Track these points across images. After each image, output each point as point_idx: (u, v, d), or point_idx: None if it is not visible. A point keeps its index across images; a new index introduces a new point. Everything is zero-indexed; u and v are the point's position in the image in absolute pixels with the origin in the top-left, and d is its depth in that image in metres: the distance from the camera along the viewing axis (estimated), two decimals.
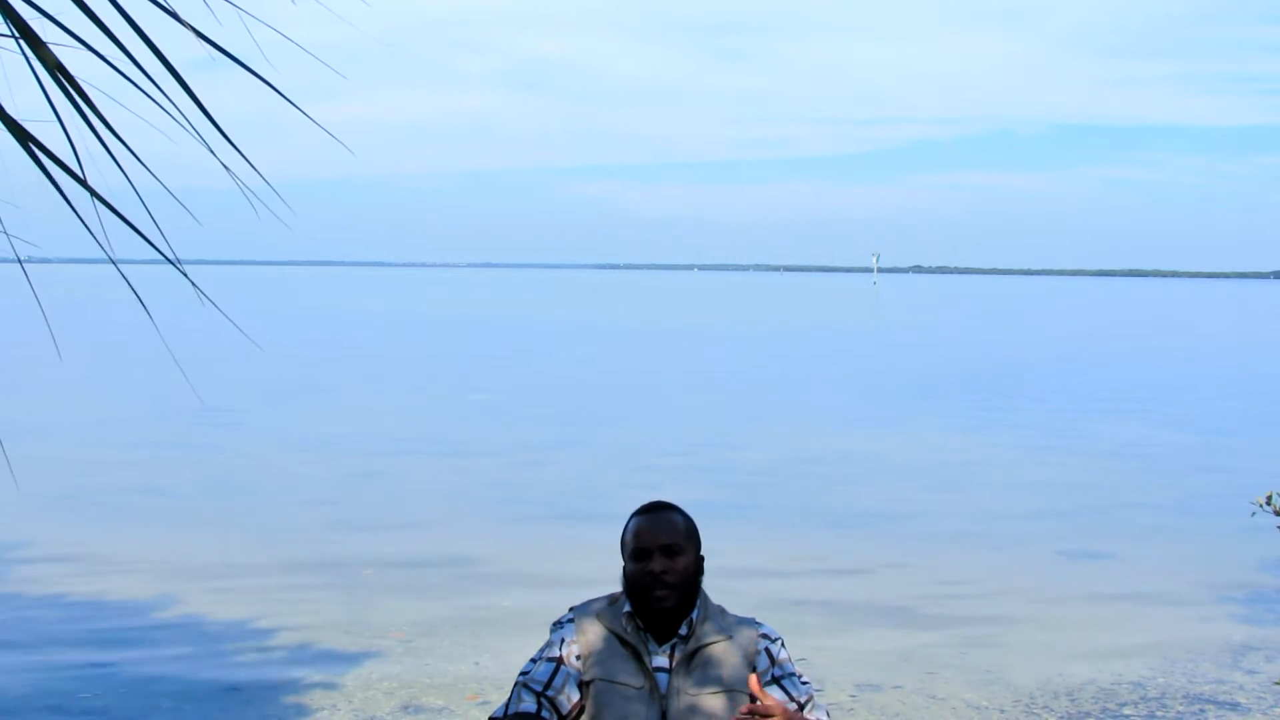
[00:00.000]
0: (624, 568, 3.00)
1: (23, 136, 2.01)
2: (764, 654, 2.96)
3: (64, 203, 2.07)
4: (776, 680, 2.94)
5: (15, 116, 2.01)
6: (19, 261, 2.27)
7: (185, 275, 2.21)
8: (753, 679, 2.81)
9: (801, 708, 2.93)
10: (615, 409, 22.33)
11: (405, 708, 6.64)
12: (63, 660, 7.41)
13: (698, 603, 3.00)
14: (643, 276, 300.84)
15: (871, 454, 16.74)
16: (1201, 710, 6.70)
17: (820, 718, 2.96)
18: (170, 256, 2.17)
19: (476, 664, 7.40)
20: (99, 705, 6.62)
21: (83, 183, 2.04)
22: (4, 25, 1.98)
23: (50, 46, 1.98)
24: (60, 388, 22.09)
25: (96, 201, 2.05)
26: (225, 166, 2.13)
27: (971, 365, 33.25)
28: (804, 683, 2.98)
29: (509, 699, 2.96)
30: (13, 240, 2.24)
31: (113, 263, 2.14)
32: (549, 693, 2.90)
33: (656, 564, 2.92)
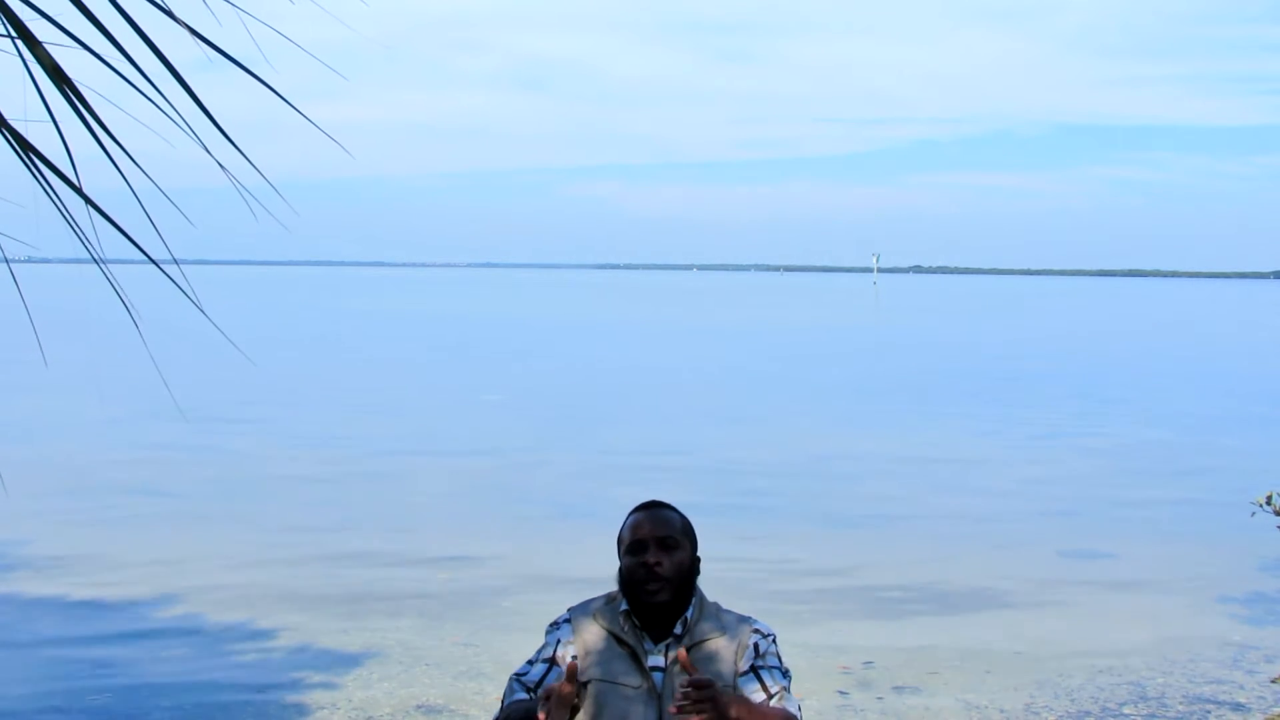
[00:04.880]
0: (620, 564, 3.01)
1: (17, 140, 2.01)
2: (752, 648, 2.96)
3: (59, 204, 2.06)
4: (755, 669, 2.94)
5: (9, 118, 2.01)
6: (6, 262, 2.27)
7: (174, 281, 2.21)
8: (681, 652, 2.81)
9: (770, 696, 2.92)
10: (615, 409, 22.33)
11: (405, 708, 6.64)
12: (63, 660, 7.41)
13: (693, 601, 3.00)
14: (643, 276, 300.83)
15: (871, 454, 16.73)
16: (1202, 710, 6.70)
17: (786, 707, 2.91)
18: (160, 261, 2.16)
19: (476, 664, 7.40)
20: (99, 705, 6.62)
21: (76, 188, 2.04)
22: (1, 26, 1.97)
23: (46, 47, 1.98)
24: (61, 389, 22.08)
25: (89, 203, 2.05)
26: (223, 168, 2.12)
27: (972, 365, 33.24)
28: (783, 675, 2.97)
29: (503, 698, 2.98)
30: (9, 241, 2.24)
31: (98, 264, 2.14)
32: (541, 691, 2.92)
33: (652, 557, 2.92)
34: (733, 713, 2.74)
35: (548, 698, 2.69)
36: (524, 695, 2.92)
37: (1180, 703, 6.82)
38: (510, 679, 2.98)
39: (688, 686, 2.70)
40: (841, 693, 6.95)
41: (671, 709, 2.75)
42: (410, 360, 32.75)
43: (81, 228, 2.08)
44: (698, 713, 2.69)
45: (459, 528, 11.53)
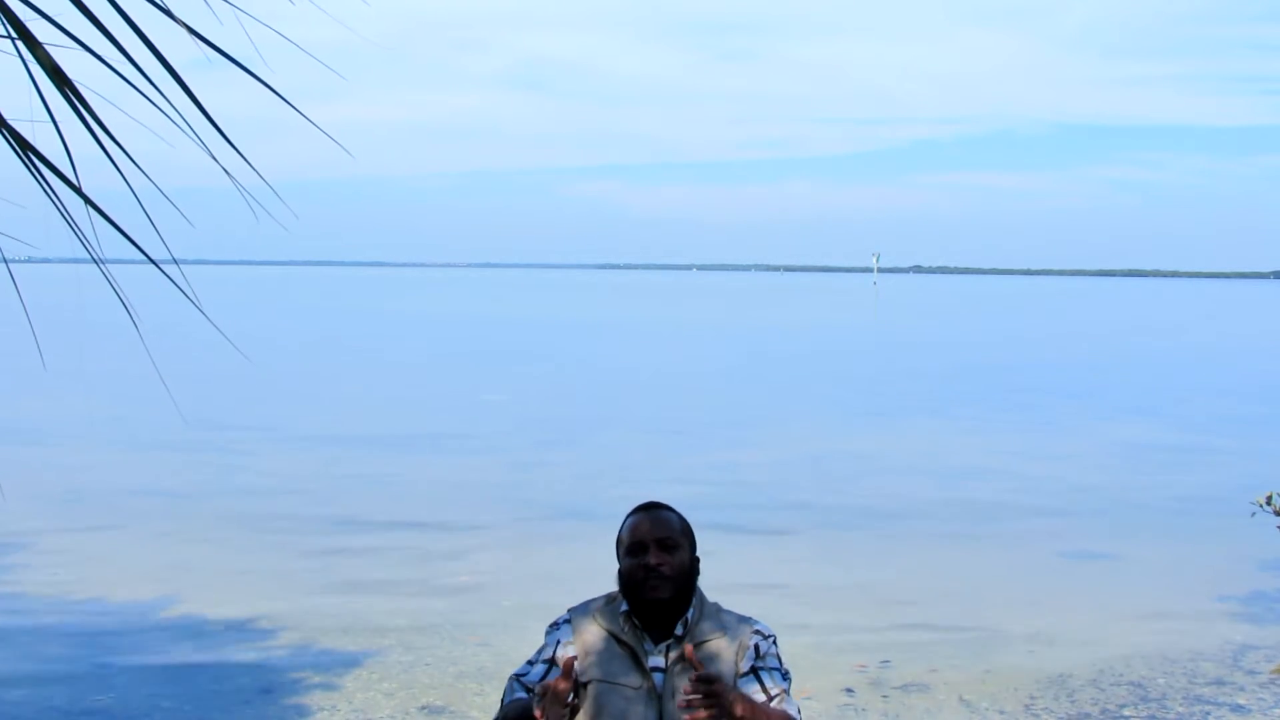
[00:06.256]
0: (620, 566, 3.01)
1: (17, 140, 2.01)
2: (752, 649, 2.97)
3: (59, 204, 2.06)
4: (755, 671, 2.94)
5: (9, 118, 2.01)
6: (6, 262, 2.27)
7: (173, 281, 2.20)
8: (688, 647, 2.81)
9: (771, 698, 2.91)
10: (615, 409, 22.32)
11: (405, 708, 6.64)
12: (63, 660, 7.41)
13: (693, 602, 3.00)
14: (643, 276, 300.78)
15: (871, 454, 16.72)
16: (1201, 710, 6.70)
17: (787, 710, 2.91)
18: (160, 261, 2.16)
19: (476, 664, 7.40)
20: (99, 705, 6.62)
21: (76, 188, 2.04)
22: (1, 26, 1.97)
23: (46, 47, 1.98)
24: (60, 390, 22.08)
25: (89, 203, 2.05)
26: (224, 170, 2.12)
27: (971, 365, 33.24)
28: (784, 677, 2.97)
29: (503, 697, 2.98)
30: (9, 241, 2.24)
31: (98, 264, 2.14)
32: None
33: (653, 557, 2.93)
34: (738, 710, 2.74)
35: (543, 694, 2.69)
36: (524, 695, 2.92)
37: (1180, 703, 6.82)
38: (510, 679, 2.99)
39: (695, 681, 2.70)
40: (847, 690, 6.95)
41: (679, 703, 2.75)
42: (410, 360, 32.74)
43: (81, 228, 2.08)
44: (704, 708, 2.69)
45: (459, 528, 11.52)
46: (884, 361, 35.01)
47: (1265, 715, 6.62)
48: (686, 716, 2.72)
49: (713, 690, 2.69)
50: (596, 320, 60.07)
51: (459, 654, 7.60)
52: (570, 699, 2.78)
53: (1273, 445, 17.91)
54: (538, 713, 2.67)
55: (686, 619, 2.97)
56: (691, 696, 2.69)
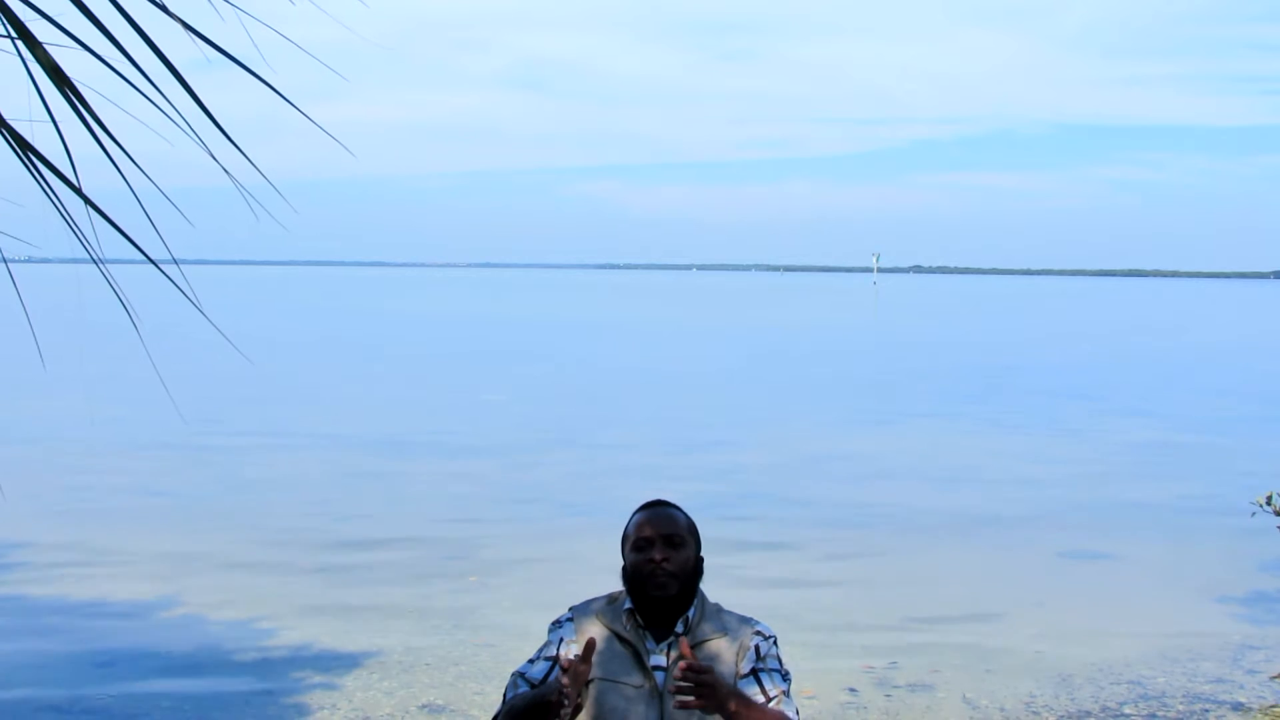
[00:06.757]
0: (624, 563, 3.02)
1: (17, 140, 2.01)
2: (753, 650, 2.97)
3: (59, 204, 2.06)
4: (755, 672, 2.94)
5: (9, 118, 2.01)
6: (6, 262, 2.27)
7: (173, 281, 2.21)
8: (683, 642, 2.82)
9: (770, 700, 2.91)
10: (616, 409, 22.32)
11: (405, 708, 6.64)
12: (63, 660, 7.41)
13: (695, 602, 3.01)
14: (643, 276, 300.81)
15: (870, 454, 16.73)
16: (1201, 710, 6.70)
17: (784, 711, 2.90)
18: (160, 261, 2.16)
19: (476, 664, 7.40)
20: (99, 705, 6.62)
21: (75, 188, 2.04)
22: (1, 26, 1.97)
23: (46, 47, 1.98)
24: (59, 389, 22.06)
25: (89, 203, 2.05)
26: (224, 169, 2.12)
27: (971, 365, 33.24)
28: (784, 678, 2.97)
29: (504, 693, 2.99)
30: (9, 241, 2.24)
31: (98, 264, 2.14)
32: None
33: (658, 552, 2.94)
34: (731, 705, 2.75)
35: (566, 669, 2.70)
36: (526, 686, 2.93)
37: (1180, 702, 6.82)
38: (512, 675, 2.99)
39: (686, 670, 2.70)
40: (850, 690, 6.95)
41: (671, 688, 2.76)
42: (411, 360, 32.74)
43: (81, 228, 2.08)
44: (695, 697, 2.70)
45: (460, 527, 11.52)
46: (884, 362, 35.01)
47: (1265, 715, 6.62)
48: (676, 701, 2.73)
49: (703, 680, 2.69)
50: (596, 320, 60.07)
51: (459, 654, 7.60)
52: (578, 697, 2.78)
53: (1273, 445, 17.91)
54: (564, 681, 2.68)
55: (687, 617, 2.98)
56: (682, 683, 2.70)
